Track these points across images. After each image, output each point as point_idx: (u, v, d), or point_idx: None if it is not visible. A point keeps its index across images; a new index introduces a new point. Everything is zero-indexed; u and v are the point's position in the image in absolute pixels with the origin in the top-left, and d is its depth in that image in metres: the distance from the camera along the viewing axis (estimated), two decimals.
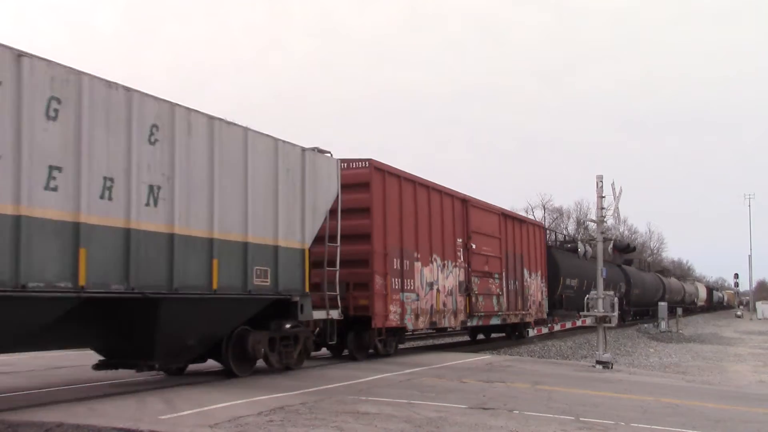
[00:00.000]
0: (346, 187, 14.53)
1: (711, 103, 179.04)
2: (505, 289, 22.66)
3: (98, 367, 10.80)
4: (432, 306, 17.96)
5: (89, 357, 14.96)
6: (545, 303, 27.25)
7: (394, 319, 16.13)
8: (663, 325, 41.58)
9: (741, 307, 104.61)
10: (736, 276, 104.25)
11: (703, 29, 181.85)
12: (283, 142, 12.54)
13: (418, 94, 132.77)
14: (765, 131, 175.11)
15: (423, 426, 8.03)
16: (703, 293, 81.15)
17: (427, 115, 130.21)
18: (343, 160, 14.88)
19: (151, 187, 9.71)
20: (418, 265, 17.23)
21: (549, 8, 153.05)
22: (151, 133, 9.79)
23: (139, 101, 9.64)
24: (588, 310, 18.23)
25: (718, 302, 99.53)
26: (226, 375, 11.97)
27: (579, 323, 28.90)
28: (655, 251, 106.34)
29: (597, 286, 18.09)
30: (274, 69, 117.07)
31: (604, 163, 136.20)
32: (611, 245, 20.28)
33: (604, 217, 18.11)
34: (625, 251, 49.05)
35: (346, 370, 13.67)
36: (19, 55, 8.16)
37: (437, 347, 22.94)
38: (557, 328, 29.23)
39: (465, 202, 20.24)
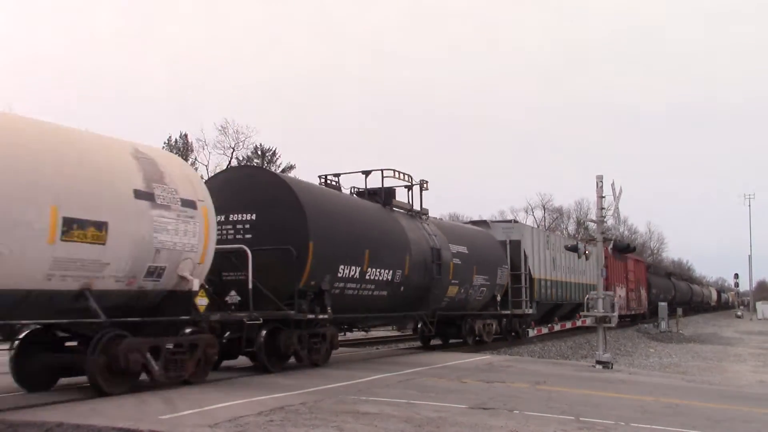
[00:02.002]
0: None
1: (711, 102, 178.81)
2: (636, 295, 44.08)
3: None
4: (621, 304, 36.56)
5: None
6: (646, 303, 47.87)
7: None
8: (663, 325, 41.61)
9: (741, 307, 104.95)
10: (736, 276, 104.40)
11: (703, 29, 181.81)
12: (587, 242, 23.07)
13: (418, 93, 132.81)
14: (765, 131, 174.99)
15: (423, 426, 8.03)
16: (714, 295, 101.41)
17: (428, 115, 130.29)
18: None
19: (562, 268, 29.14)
20: (616, 287, 36.08)
21: (549, 8, 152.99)
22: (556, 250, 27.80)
23: (544, 236, 28.40)
24: (588, 310, 18.25)
25: (725, 302, 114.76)
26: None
27: (579, 323, 28.99)
28: (655, 251, 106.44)
29: (597, 286, 18.11)
30: (274, 68, 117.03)
31: (605, 163, 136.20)
32: (611, 245, 20.31)
33: (604, 217, 18.11)
34: (625, 251, 50.25)
35: (347, 370, 13.68)
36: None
37: (438, 347, 22.95)
38: (557, 328, 29.29)
39: (625, 256, 39.64)
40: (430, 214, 20.09)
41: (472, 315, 22.01)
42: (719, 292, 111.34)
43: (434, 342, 23.13)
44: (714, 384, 17.20)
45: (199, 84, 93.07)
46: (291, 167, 56.39)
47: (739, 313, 79.77)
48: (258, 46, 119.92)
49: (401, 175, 18.21)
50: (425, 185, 19.25)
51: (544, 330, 27.93)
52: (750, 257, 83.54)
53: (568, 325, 30.11)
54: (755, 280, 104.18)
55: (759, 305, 74.99)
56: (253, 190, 13.63)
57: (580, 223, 77.89)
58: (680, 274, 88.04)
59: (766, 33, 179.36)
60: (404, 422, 8.19)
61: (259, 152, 55.01)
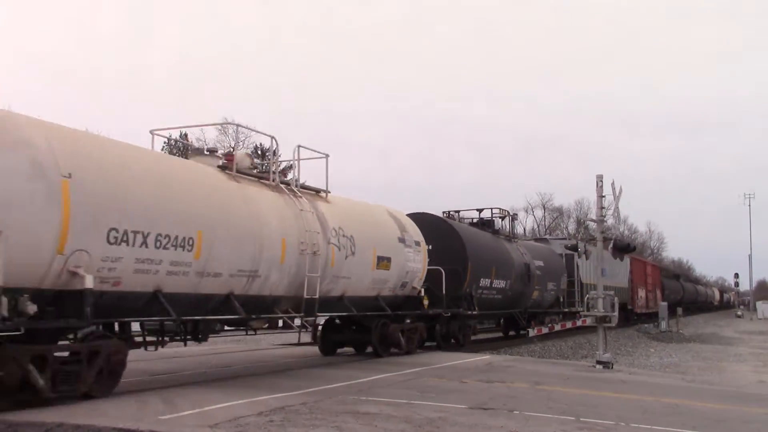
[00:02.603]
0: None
1: (711, 103, 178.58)
2: (653, 296, 50.46)
3: None
4: (642, 303, 45.68)
5: None
6: (660, 301, 50.62)
7: (638, 308, 44.93)
8: (663, 325, 41.61)
9: (741, 307, 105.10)
10: (736, 276, 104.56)
11: (702, 29, 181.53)
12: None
13: (417, 93, 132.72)
14: (765, 131, 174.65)
15: (423, 426, 8.03)
16: (717, 295, 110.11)
17: (427, 115, 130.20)
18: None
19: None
20: (639, 289, 44.59)
21: (549, 8, 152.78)
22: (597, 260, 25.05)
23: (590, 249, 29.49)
24: (588, 310, 18.24)
25: (726, 302, 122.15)
26: None
27: (579, 323, 28.95)
28: (655, 251, 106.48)
29: (597, 286, 18.11)
30: (274, 68, 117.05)
31: (604, 163, 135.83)
32: (611, 245, 20.31)
33: (604, 216, 18.10)
34: (625, 251, 51.33)
35: (347, 370, 13.69)
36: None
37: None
38: (557, 328, 29.24)
39: (644, 262, 50.18)
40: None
41: (543, 312, 29.34)
42: (722, 292, 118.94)
43: (511, 333, 28.53)
44: (714, 384, 17.21)
45: (199, 84, 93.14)
46: (291, 167, 56.30)
47: (739, 313, 79.81)
48: (257, 47, 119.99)
49: (501, 210, 26.15)
50: (516, 217, 27.66)
51: (544, 330, 27.90)
52: (750, 257, 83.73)
53: (568, 325, 30.05)
54: (755, 280, 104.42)
55: (759, 305, 75.02)
56: (428, 229, 19.19)
57: (580, 223, 78.00)
58: (687, 276, 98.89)
59: (765, 33, 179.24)
60: (404, 422, 8.19)
61: (259, 152, 54.99)
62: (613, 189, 17.97)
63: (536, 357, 21.86)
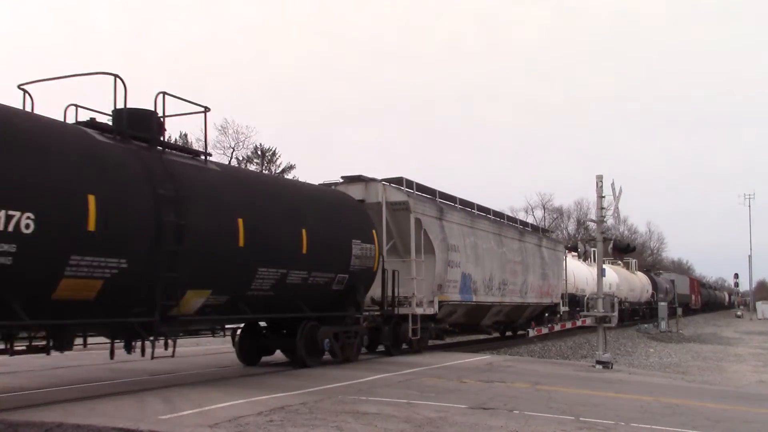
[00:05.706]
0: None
1: (711, 103, 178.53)
2: (697, 298, 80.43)
3: None
4: (693, 303, 77.77)
5: (89, 357, 14.96)
6: (700, 304, 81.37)
7: (693, 305, 77.50)
8: (663, 325, 41.62)
9: (741, 307, 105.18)
10: (736, 276, 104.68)
11: (703, 29, 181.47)
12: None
13: (418, 94, 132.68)
14: (765, 131, 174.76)
15: (423, 426, 8.03)
16: (726, 297, 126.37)
17: (428, 115, 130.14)
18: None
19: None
20: (692, 294, 76.78)
21: (549, 7, 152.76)
22: (680, 279, 73.79)
23: (677, 276, 75.84)
24: (588, 310, 18.25)
25: (733, 303, 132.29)
26: None
27: (579, 323, 28.94)
28: (655, 251, 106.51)
29: (597, 287, 18.13)
30: (274, 68, 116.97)
31: (604, 163, 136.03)
32: (611, 245, 20.33)
33: (604, 217, 18.11)
34: (625, 251, 52.79)
35: (347, 370, 13.68)
36: None
37: (440, 347, 22.95)
38: (557, 328, 29.24)
39: (692, 279, 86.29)
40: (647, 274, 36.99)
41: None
42: (729, 294, 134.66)
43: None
44: (714, 384, 17.21)
45: (198, 84, 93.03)
46: (291, 167, 56.43)
47: (739, 313, 79.89)
48: (257, 46, 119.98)
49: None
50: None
51: (544, 330, 27.90)
52: (750, 257, 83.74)
53: (568, 325, 30.05)
54: (755, 280, 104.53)
55: (759, 305, 75.07)
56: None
57: (580, 223, 78.05)
58: (708, 284, 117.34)
59: (765, 32, 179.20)
60: (404, 422, 8.19)
61: (259, 152, 55.06)
62: (613, 189, 18.01)
63: (536, 357, 21.87)
